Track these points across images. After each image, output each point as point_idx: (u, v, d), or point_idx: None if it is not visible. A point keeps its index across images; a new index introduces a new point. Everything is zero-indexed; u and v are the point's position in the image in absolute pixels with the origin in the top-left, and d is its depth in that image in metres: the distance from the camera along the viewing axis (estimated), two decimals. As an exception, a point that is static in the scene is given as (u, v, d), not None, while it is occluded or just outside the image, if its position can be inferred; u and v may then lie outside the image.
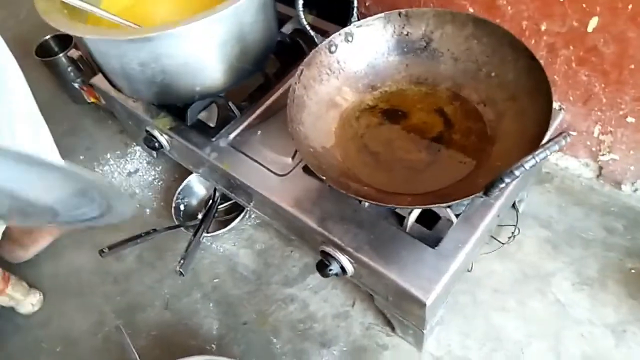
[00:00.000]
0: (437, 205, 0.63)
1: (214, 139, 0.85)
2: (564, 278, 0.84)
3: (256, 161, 0.82)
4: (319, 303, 0.90)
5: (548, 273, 0.85)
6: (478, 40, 0.75)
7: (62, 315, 0.98)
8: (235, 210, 1.03)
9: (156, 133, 0.92)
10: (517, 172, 0.50)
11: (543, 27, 0.79)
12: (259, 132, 0.86)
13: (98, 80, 1.00)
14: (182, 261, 0.88)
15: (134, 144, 1.23)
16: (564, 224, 0.90)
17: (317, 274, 0.73)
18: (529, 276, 0.85)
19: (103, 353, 0.92)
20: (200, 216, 1.03)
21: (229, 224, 1.01)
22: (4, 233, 1.01)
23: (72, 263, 1.05)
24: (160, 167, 1.17)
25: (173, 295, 0.97)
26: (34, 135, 0.96)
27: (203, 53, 0.75)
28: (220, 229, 1.00)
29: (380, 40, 0.80)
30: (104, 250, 0.88)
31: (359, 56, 0.80)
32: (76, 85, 1.26)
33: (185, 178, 1.08)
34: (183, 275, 0.88)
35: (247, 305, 0.93)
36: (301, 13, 0.75)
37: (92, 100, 1.23)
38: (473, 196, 0.56)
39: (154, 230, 0.96)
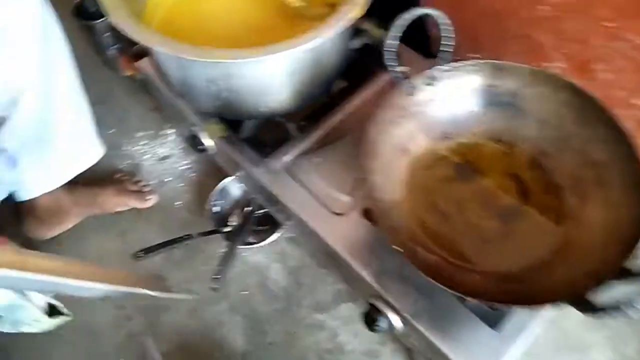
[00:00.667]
0: (516, 306, 0.60)
1: (267, 159, 0.80)
2: (601, 352, 0.83)
3: (311, 192, 0.78)
4: (349, 336, 0.89)
5: (587, 345, 0.84)
6: (572, 109, 0.69)
7: (85, 305, 0.96)
8: (270, 220, 1.00)
9: (203, 135, 0.87)
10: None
11: (635, 102, 0.74)
12: (317, 159, 0.81)
13: (145, 64, 0.93)
14: (216, 278, 0.85)
15: (169, 125, 1.17)
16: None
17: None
18: (567, 345, 0.84)
19: (126, 350, 0.91)
20: (233, 220, 1.00)
21: (262, 234, 0.98)
22: (28, 210, 0.97)
23: (97, 249, 1.02)
24: (194, 156, 1.12)
25: (200, 301, 0.95)
26: (75, 122, 0.90)
27: (275, 78, 0.70)
28: (253, 240, 0.97)
29: (465, 88, 0.74)
30: (138, 254, 0.85)
31: (438, 101, 0.74)
32: (112, 52, 1.18)
33: (220, 176, 1.03)
34: (216, 291, 0.86)
35: (275, 324, 0.92)
36: (390, 51, 0.68)
37: (129, 73, 1.15)
38: (559, 304, 0.53)
39: (189, 235, 0.93)
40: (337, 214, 0.75)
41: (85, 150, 0.96)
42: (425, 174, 0.74)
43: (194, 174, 1.10)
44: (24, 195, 0.92)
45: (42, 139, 0.86)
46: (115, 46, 1.18)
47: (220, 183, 1.00)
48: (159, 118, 1.18)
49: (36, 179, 0.91)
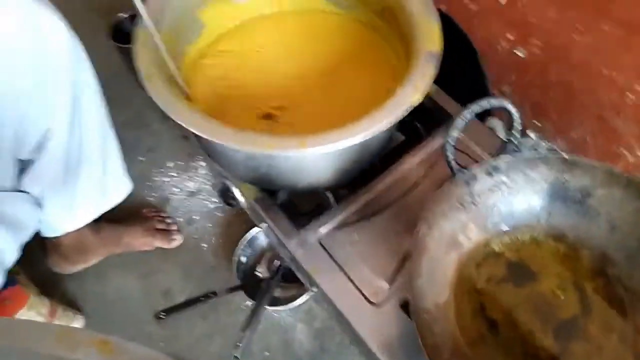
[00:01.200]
0: None
1: (302, 231, 0.75)
2: None
3: (346, 274, 0.72)
4: (372, 415, 0.84)
5: None
6: (652, 219, 0.61)
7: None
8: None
9: (235, 191, 0.82)
10: None
11: None
12: (355, 234, 0.75)
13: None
14: (239, 345, 0.80)
15: (199, 156, 1.12)
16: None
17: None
18: None
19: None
20: (260, 271, 0.96)
21: (289, 289, 0.93)
22: (52, 246, 0.95)
23: (119, 288, 0.99)
24: (224, 195, 1.07)
25: (220, 357, 0.91)
26: (102, 160, 0.86)
27: (318, 163, 0.64)
28: (279, 294, 0.92)
29: (529, 180, 0.66)
30: (161, 315, 0.81)
31: (497, 192, 0.67)
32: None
33: (249, 220, 0.98)
34: None
35: (296, 391, 0.87)
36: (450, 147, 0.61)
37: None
38: None
39: (214, 293, 0.89)
40: (373, 304, 0.69)
41: (112, 187, 0.92)
42: (474, 272, 0.67)
43: (223, 215, 1.05)
44: (48, 232, 0.89)
45: (68, 181, 0.83)
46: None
47: (248, 233, 0.95)
48: (190, 147, 1.14)
49: (61, 219, 0.88)
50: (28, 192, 0.80)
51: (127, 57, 1.12)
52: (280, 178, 0.67)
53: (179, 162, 1.12)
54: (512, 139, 0.62)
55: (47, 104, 0.71)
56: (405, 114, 0.58)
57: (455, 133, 0.60)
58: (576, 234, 0.67)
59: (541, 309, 0.64)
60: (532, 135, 0.83)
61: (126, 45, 1.08)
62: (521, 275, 0.66)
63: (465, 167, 0.64)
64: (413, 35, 0.64)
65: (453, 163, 0.62)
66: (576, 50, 0.66)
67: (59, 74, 0.71)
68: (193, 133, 0.57)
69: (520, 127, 0.61)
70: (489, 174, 0.65)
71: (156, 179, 1.11)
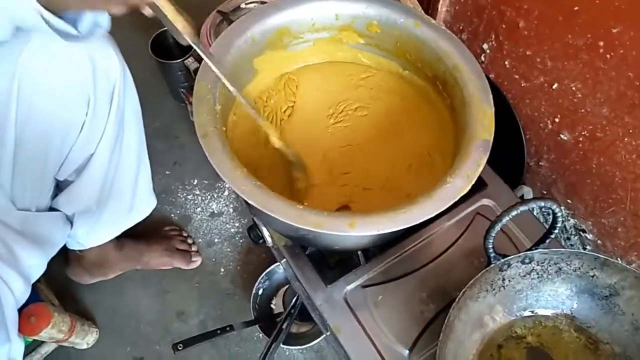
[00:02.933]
0: None
1: (329, 287, 0.76)
2: None
3: (368, 335, 0.73)
4: None
5: None
6: (678, 329, 0.62)
7: (114, 360, 0.95)
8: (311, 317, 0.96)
9: (265, 232, 0.83)
10: None
11: None
12: (381, 296, 0.76)
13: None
14: (252, 383, 0.82)
15: (225, 178, 1.13)
16: None
17: None
18: None
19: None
20: (275, 304, 0.97)
21: (301, 327, 0.94)
22: (75, 258, 0.96)
23: (134, 303, 1.00)
24: (245, 220, 1.08)
25: (228, 389, 0.93)
26: (134, 180, 0.87)
27: (360, 239, 0.65)
28: (292, 330, 0.93)
29: (560, 271, 0.67)
30: (178, 347, 0.83)
31: (528, 278, 0.68)
32: (181, 91, 1.14)
33: (269, 253, 1.00)
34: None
35: None
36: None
37: (196, 119, 1.11)
38: None
39: (231, 327, 0.89)
40: (393, 370, 0.71)
41: (138, 205, 0.93)
42: (495, 353, 0.68)
43: (243, 241, 1.06)
44: (73, 246, 0.90)
45: (100, 201, 0.83)
46: (186, 84, 1.13)
47: (268, 269, 0.96)
48: (216, 167, 1.14)
49: (88, 235, 0.89)
50: (60, 210, 0.81)
51: (163, 69, 1.13)
52: (318, 243, 0.68)
53: (204, 181, 1.13)
54: (553, 235, 0.63)
55: (95, 131, 0.72)
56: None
57: (499, 227, 0.61)
58: (598, 328, 0.68)
59: (556, 399, 0.66)
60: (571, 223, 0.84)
61: (163, 60, 1.08)
62: (540, 362, 0.68)
63: (501, 254, 0.65)
64: (466, 117, 0.65)
65: (492, 253, 0.63)
66: (622, 150, 0.67)
67: (109, 104, 0.71)
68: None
69: (559, 225, 0.62)
70: (523, 262, 0.66)
71: (180, 195, 1.11)
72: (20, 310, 0.75)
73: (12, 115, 0.64)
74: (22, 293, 0.74)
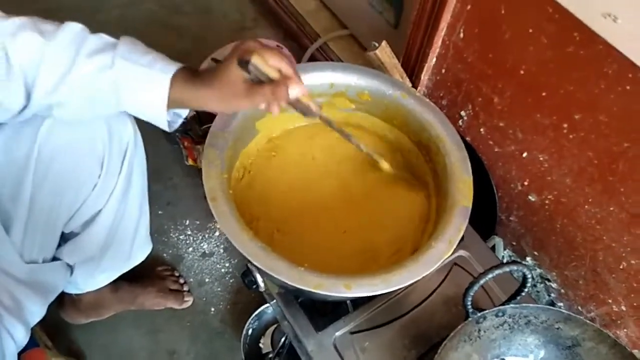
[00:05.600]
0: None
1: (319, 333, 0.81)
2: None
3: (355, 380, 0.79)
4: None
5: None
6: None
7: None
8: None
9: (259, 278, 0.88)
10: None
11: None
12: (367, 343, 0.82)
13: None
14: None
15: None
16: None
17: None
18: None
19: None
20: (264, 343, 1.02)
21: (290, 365, 0.99)
22: (70, 301, 0.98)
23: (127, 342, 1.03)
24: (236, 261, 1.13)
25: None
26: (135, 229, 0.91)
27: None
28: (280, 371, 0.98)
29: (529, 323, 0.75)
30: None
31: (501, 329, 0.75)
32: (176, 135, 1.19)
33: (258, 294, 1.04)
34: None
35: None
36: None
37: (191, 162, 1.16)
38: None
39: (223, 368, 0.94)
40: (377, 414, 0.76)
41: (136, 250, 0.97)
42: (472, 398, 0.75)
43: (233, 280, 1.11)
44: (70, 290, 0.93)
45: (103, 251, 0.87)
46: (180, 128, 1.18)
47: (258, 310, 1.01)
48: (208, 208, 1.19)
49: (86, 281, 0.92)
50: (62, 259, 0.84)
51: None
52: (313, 296, 0.74)
53: (196, 222, 1.17)
54: (523, 293, 0.71)
55: (105, 190, 0.76)
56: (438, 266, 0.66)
57: (477, 287, 0.68)
58: (563, 374, 0.76)
59: None
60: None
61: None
62: (512, 405, 0.75)
63: (478, 308, 0.73)
64: (448, 185, 0.73)
65: (470, 309, 0.71)
66: (583, 215, 0.76)
67: (121, 164, 0.76)
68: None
69: (528, 290, 0.70)
70: (497, 315, 0.74)
71: (172, 235, 1.15)
72: (18, 355, 0.78)
73: (29, 176, 0.68)
74: (23, 339, 0.76)
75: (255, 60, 0.56)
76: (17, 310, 0.74)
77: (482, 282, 0.68)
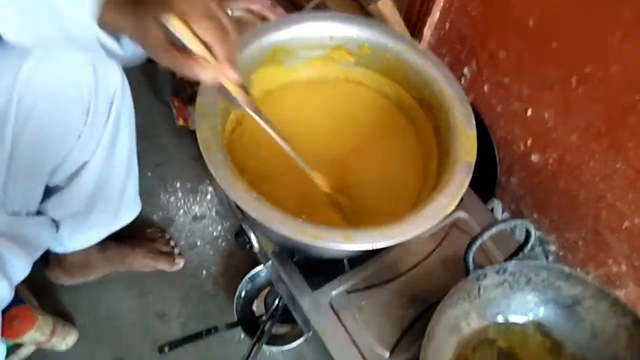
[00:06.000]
0: None
1: (315, 292, 0.80)
2: None
3: (351, 338, 0.77)
4: None
5: None
6: (630, 336, 0.70)
7: (93, 362, 0.95)
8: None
9: (253, 238, 0.85)
10: None
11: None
12: (364, 302, 0.80)
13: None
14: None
15: (208, 181, 1.15)
16: None
17: None
18: None
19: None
20: (257, 306, 1.00)
21: (282, 328, 0.98)
22: (56, 260, 0.95)
23: (115, 304, 1.01)
24: (227, 224, 1.11)
25: (208, 387, 0.95)
26: (123, 187, 0.88)
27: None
28: (272, 336, 0.96)
29: (530, 282, 0.74)
30: (164, 349, 0.84)
31: (500, 287, 0.74)
32: (166, 92, 1.14)
33: (250, 257, 1.02)
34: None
35: None
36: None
37: (181, 123, 1.12)
38: None
39: (215, 329, 0.92)
40: (374, 371, 0.75)
41: (124, 210, 0.93)
42: (469, 355, 0.74)
43: (225, 243, 1.08)
44: (57, 249, 0.90)
45: (89, 206, 0.84)
46: (171, 88, 1.14)
47: (251, 272, 0.99)
48: (199, 170, 1.16)
49: (71, 238, 0.88)
50: (47, 215, 0.81)
51: (148, 68, 1.13)
52: (309, 252, 0.71)
53: (187, 184, 1.14)
54: (525, 250, 0.69)
55: (91, 140, 0.73)
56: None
57: (479, 243, 0.66)
58: (561, 333, 0.75)
59: (522, 398, 0.72)
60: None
61: (148, 60, 1.08)
62: (509, 364, 0.75)
63: (478, 265, 0.71)
64: (450, 141, 0.70)
65: (471, 266, 0.69)
66: (588, 173, 0.74)
67: (107, 113, 0.72)
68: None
69: (534, 242, 0.68)
70: (498, 273, 0.72)
71: (162, 197, 1.12)
72: (2, 313, 0.75)
73: (9, 123, 0.64)
74: (6, 295, 0.74)
75: (173, 23, 0.45)
76: (-1, 264, 0.70)
77: (485, 236, 0.66)
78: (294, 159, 0.64)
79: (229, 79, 0.51)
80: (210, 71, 0.48)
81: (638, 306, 0.80)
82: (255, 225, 0.79)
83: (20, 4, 0.49)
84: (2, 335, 0.74)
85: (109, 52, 0.55)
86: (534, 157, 0.82)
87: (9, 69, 0.62)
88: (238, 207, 0.84)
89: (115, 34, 0.53)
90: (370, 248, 0.60)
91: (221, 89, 0.53)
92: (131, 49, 0.57)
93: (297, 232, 0.60)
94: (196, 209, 1.11)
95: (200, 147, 0.63)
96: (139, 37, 0.48)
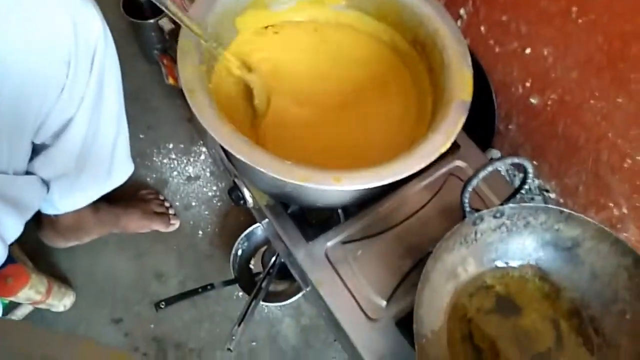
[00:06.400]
0: None
1: (310, 243, 0.78)
2: None
3: (347, 288, 0.76)
4: (349, 411, 0.91)
5: None
6: (630, 276, 0.68)
7: (91, 324, 0.95)
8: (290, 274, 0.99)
9: (246, 192, 0.84)
10: None
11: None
12: (360, 252, 0.79)
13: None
14: (234, 338, 0.84)
15: (201, 142, 1.13)
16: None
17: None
18: None
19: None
20: (254, 264, 1.00)
21: (281, 284, 0.97)
22: (48, 222, 0.94)
23: (110, 266, 1.00)
24: (223, 184, 1.09)
25: (208, 343, 0.95)
26: (113, 145, 0.86)
27: (344, 193, 0.67)
28: (272, 289, 0.96)
29: (528, 225, 0.72)
30: (160, 305, 0.84)
31: (498, 232, 0.73)
32: (155, 53, 1.11)
33: (246, 216, 1.01)
34: (231, 352, 0.86)
35: (278, 383, 0.93)
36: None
37: (171, 81, 1.09)
38: None
39: (212, 285, 0.91)
40: (371, 319, 0.74)
41: (116, 170, 0.92)
42: (467, 302, 0.73)
43: (220, 204, 1.07)
44: (48, 210, 0.89)
45: (78, 166, 0.82)
46: (159, 46, 1.11)
47: (247, 230, 0.98)
48: (192, 130, 1.14)
49: (63, 199, 0.87)
50: (36, 174, 0.79)
51: (135, 29, 1.10)
52: (301, 199, 0.70)
53: (180, 145, 1.12)
54: (523, 190, 0.67)
55: (75, 94, 0.70)
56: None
57: (475, 183, 0.64)
58: (560, 276, 0.74)
59: (521, 340, 0.71)
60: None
61: (135, 20, 1.05)
62: (507, 308, 0.73)
63: (474, 209, 0.69)
64: (445, 80, 0.68)
65: (467, 208, 0.67)
66: (589, 112, 0.71)
67: (90, 66, 0.70)
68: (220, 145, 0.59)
69: (530, 182, 0.66)
70: (495, 216, 0.71)
71: (155, 159, 1.10)
72: (-3, 272, 0.75)
73: None
74: (0, 255, 0.73)
75: None
76: (-10, 223, 0.69)
77: (481, 175, 0.64)
78: (200, 37, 0.64)
79: None
80: None
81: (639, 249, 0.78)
82: (247, 175, 0.77)
83: None
84: (-4, 293, 0.74)
85: None
86: (533, 100, 0.79)
87: None
88: (228, 157, 0.82)
89: None
90: (361, 187, 0.58)
91: None
92: None
93: (286, 174, 0.58)
94: (190, 170, 1.10)
95: (184, 88, 0.61)
96: None
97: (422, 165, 0.61)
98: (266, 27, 0.77)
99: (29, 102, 0.69)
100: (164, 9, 0.60)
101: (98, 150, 0.83)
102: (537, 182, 0.90)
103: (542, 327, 0.73)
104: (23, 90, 0.67)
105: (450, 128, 0.63)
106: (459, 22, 0.84)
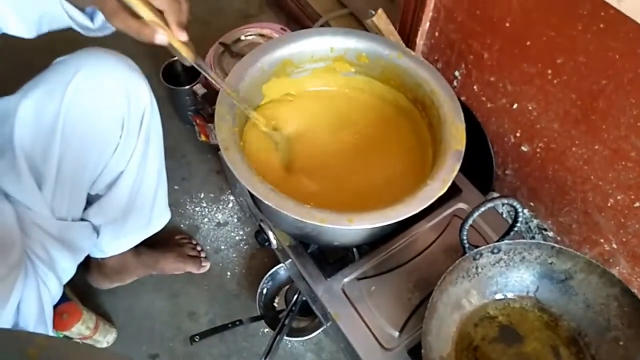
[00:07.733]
0: None
1: (328, 280, 0.87)
2: None
3: (364, 321, 0.84)
4: None
5: None
6: (619, 305, 0.75)
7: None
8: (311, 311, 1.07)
9: (271, 234, 0.94)
10: None
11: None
12: (373, 287, 0.87)
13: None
14: (260, 371, 0.92)
15: (229, 191, 1.24)
16: None
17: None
18: None
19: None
20: (278, 302, 1.08)
21: (304, 320, 1.05)
22: (96, 266, 1.05)
23: (147, 305, 1.10)
24: (249, 229, 1.19)
25: (233, 377, 1.02)
26: (155, 194, 0.98)
27: (358, 232, 0.77)
28: (294, 325, 1.04)
29: (523, 259, 0.80)
30: (195, 338, 0.93)
31: (498, 267, 0.81)
32: (189, 114, 1.26)
33: (270, 255, 1.10)
34: (258, 384, 0.93)
35: (301, 416, 0.99)
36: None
37: (203, 139, 1.23)
38: None
39: (240, 321, 1.00)
40: (385, 349, 0.82)
41: (156, 217, 1.03)
42: (472, 331, 0.80)
43: (247, 247, 1.17)
44: (96, 254, 1.00)
45: (125, 213, 0.94)
46: (193, 108, 1.25)
47: (273, 269, 1.07)
48: (221, 181, 1.26)
49: (111, 244, 0.99)
50: (89, 221, 0.91)
51: (172, 94, 1.25)
52: (320, 238, 0.80)
53: (210, 195, 1.24)
54: (516, 228, 0.76)
55: (126, 151, 0.83)
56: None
57: (471, 221, 0.73)
58: (557, 307, 0.81)
59: (524, 367, 0.78)
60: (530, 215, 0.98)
61: (173, 86, 1.20)
62: (510, 337, 0.80)
63: (474, 245, 0.78)
64: (442, 133, 0.78)
65: (466, 244, 0.76)
66: (572, 158, 0.81)
67: (139, 126, 0.83)
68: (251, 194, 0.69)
69: (521, 222, 0.75)
70: (492, 252, 0.79)
71: (188, 207, 1.22)
72: (53, 309, 0.85)
73: (57, 136, 0.75)
74: (57, 293, 0.84)
75: None
76: (50, 263, 0.81)
77: (477, 214, 0.73)
78: (234, 99, 0.74)
79: (178, 39, 0.59)
80: (160, 36, 0.56)
81: (632, 282, 0.85)
82: (272, 218, 0.87)
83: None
84: (53, 327, 0.84)
85: (81, 26, 0.65)
86: (524, 148, 0.89)
87: (57, 93, 0.74)
88: (255, 204, 0.93)
89: (81, 7, 0.63)
90: (370, 226, 0.68)
91: (170, 48, 0.61)
92: (100, 23, 0.66)
93: (306, 216, 0.68)
94: (219, 217, 1.21)
95: (220, 146, 0.73)
96: (98, 3, 0.56)
97: (422, 207, 0.70)
98: (286, 94, 0.90)
99: (89, 159, 0.82)
100: (207, 76, 0.72)
101: (142, 200, 0.95)
102: (535, 221, 0.98)
103: (544, 355, 0.79)
104: (85, 149, 0.80)
105: (446, 175, 0.73)
106: (454, 83, 0.96)
